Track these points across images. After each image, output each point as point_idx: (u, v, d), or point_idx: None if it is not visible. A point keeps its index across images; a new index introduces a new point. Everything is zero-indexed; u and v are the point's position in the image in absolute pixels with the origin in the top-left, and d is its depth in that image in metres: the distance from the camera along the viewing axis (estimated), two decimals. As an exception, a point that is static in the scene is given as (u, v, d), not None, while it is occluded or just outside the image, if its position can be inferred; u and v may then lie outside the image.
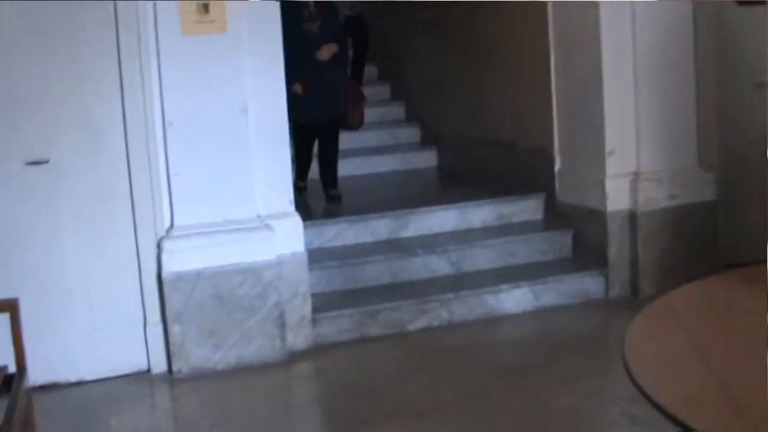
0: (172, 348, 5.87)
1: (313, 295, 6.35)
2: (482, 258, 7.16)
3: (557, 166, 7.56)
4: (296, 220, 6.21)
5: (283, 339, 6.06)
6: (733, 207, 7.27)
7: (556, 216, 7.57)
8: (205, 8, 5.76)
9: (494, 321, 6.71)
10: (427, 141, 9.96)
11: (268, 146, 6.05)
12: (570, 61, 7.30)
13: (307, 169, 8.33)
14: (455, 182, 8.87)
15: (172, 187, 5.85)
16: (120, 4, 5.64)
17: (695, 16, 6.98)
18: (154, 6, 5.68)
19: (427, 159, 9.68)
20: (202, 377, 5.85)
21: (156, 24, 5.71)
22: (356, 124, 8.56)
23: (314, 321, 6.29)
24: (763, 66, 7.25)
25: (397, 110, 10.47)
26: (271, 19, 6.02)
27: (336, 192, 8.14)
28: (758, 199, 7.31)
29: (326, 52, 7.85)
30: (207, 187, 5.86)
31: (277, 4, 6.04)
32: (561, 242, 7.36)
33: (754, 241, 7.22)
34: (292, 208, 6.21)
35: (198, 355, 5.89)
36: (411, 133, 10.15)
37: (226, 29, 5.83)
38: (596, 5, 6.80)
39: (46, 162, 5.64)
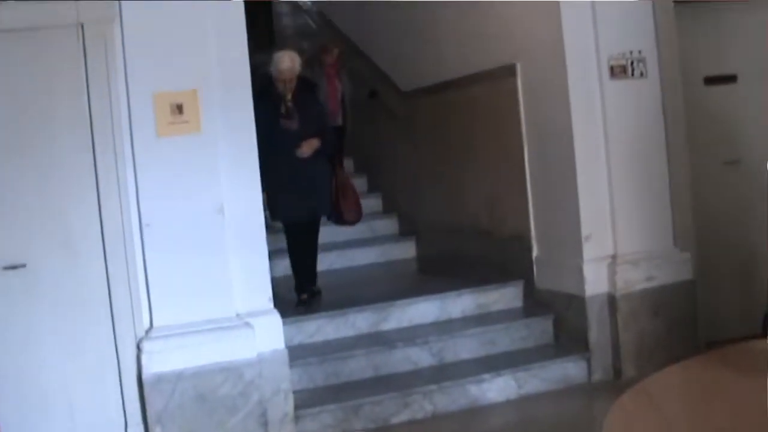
0: (154, 450, 5.80)
1: (295, 392, 6.30)
2: (464, 348, 7.14)
3: (535, 253, 7.61)
4: (275, 317, 6.19)
5: (267, 437, 6.00)
6: (710, 285, 7.33)
7: (535, 302, 7.58)
8: (179, 109, 5.83)
9: (478, 411, 6.66)
10: (404, 232, 10.00)
11: (246, 244, 6.07)
12: (543, 150, 7.41)
13: (306, 276, 7.81)
14: (434, 273, 8.89)
15: (150, 287, 5.84)
16: (95, 108, 5.71)
17: (664, 97, 7.13)
18: (129, 109, 5.75)
19: (406, 250, 9.71)
20: (186, 479, 5.76)
21: (131, 126, 5.77)
22: (353, 219, 8.22)
23: (297, 418, 6.23)
24: (733, 143, 7.40)
25: (374, 202, 10.50)
26: (246, 119, 6.10)
27: (316, 288, 7.86)
28: (735, 276, 7.41)
29: (307, 148, 7.45)
30: (185, 286, 5.85)
31: (251, 105, 6.12)
32: (541, 328, 7.35)
33: (733, 317, 7.35)
34: (270, 305, 6.20)
35: (181, 456, 5.82)
36: (388, 225, 10.18)
37: (200, 129, 5.90)
38: (566, 94, 6.93)
39: (23, 266, 5.63)
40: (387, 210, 10.43)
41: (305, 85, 7.77)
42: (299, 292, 7.66)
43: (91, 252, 5.76)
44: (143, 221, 5.80)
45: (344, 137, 10.32)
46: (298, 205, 7.49)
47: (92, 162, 5.74)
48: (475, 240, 8.52)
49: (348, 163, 11.00)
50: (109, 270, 5.77)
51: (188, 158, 5.87)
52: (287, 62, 7.42)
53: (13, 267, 5.61)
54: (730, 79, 7.58)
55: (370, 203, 10.42)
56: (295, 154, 7.42)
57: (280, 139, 7.25)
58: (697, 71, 7.47)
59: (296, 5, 13.54)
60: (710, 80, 7.52)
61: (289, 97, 7.47)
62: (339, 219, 8.07)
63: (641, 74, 7.01)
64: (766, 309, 6.51)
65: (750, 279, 7.46)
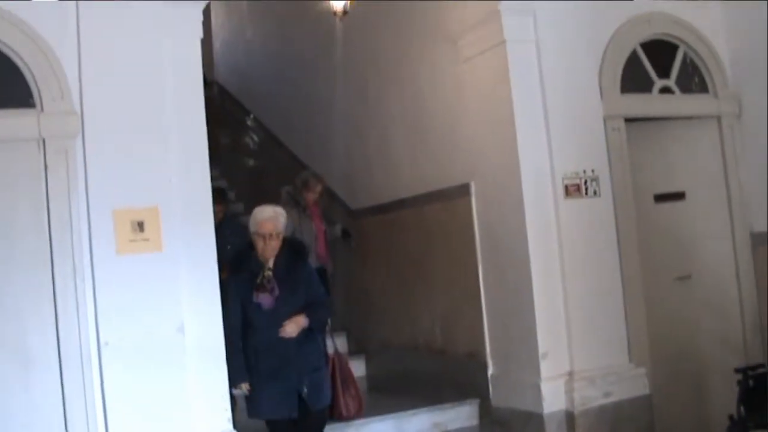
0: None
1: None
2: (422, 469, 7.03)
3: (490, 371, 7.58)
4: (234, 438, 6.06)
5: None
6: (667, 399, 7.35)
7: (492, 420, 7.52)
8: (140, 226, 5.78)
9: None
10: (354, 350, 9.90)
11: (206, 364, 5.96)
12: (498, 267, 7.46)
13: None
14: (387, 391, 8.79)
15: (107, 406, 5.67)
16: (54, 223, 5.64)
17: (616, 215, 7.28)
18: (89, 225, 5.69)
19: (356, 368, 9.57)
20: None
21: (91, 243, 5.70)
22: (351, 415, 7.29)
23: None
24: (684, 259, 7.52)
25: (322, 321, 10.36)
26: (207, 235, 6.08)
27: None
28: (691, 389, 7.45)
29: (293, 327, 5.92)
30: (144, 405, 5.71)
31: (212, 222, 6.10)
32: (499, 447, 7.29)
33: (692, 429, 7.35)
34: (230, 425, 6.07)
35: None
36: (338, 343, 10.05)
37: (160, 248, 5.85)
38: (521, 213, 7.03)
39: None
40: (336, 328, 10.31)
41: (293, 248, 6.21)
42: None
43: (47, 373, 5.61)
44: (101, 340, 5.67)
45: (327, 281, 8.87)
46: (283, 400, 5.89)
47: (50, 277, 5.65)
48: (428, 358, 8.48)
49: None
50: (65, 390, 5.63)
51: (148, 277, 5.81)
52: (269, 212, 6.08)
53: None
54: (679, 196, 7.75)
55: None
56: (275, 336, 5.90)
57: (255, 317, 5.93)
58: (647, 188, 7.65)
59: (239, 122, 13.60)
60: (660, 197, 7.68)
61: (269, 264, 6.04)
62: (336, 414, 7.17)
63: (594, 193, 7.16)
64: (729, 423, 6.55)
65: (705, 392, 7.53)
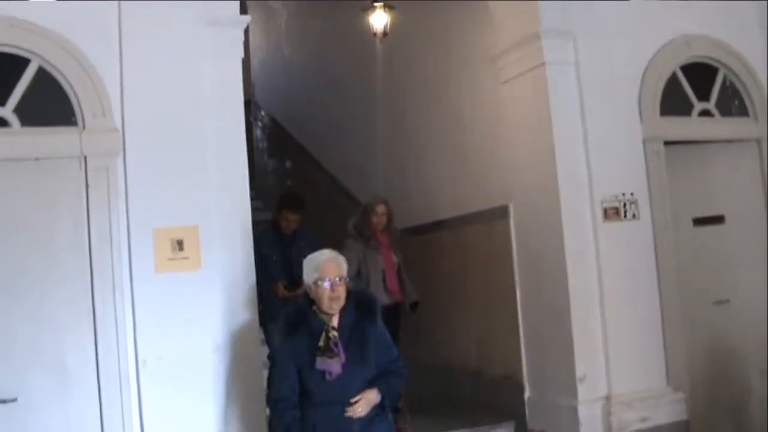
0: None
1: None
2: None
3: (527, 394, 7.53)
4: (270, 458, 6.04)
5: None
6: (705, 425, 7.26)
7: (528, 444, 7.47)
8: (180, 245, 5.81)
9: None
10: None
11: (242, 384, 5.94)
12: (536, 289, 7.42)
13: None
14: (423, 412, 8.72)
15: (144, 425, 5.69)
16: (94, 240, 5.66)
17: (655, 238, 7.22)
18: (129, 245, 5.72)
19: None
20: None
21: (130, 260, 5.73)
22: None
23: None
24: (722, 283, 7.45)
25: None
26: (246, 254, 6.06)
27: None
28: (729, 415, 7.36)
29: (364, 406, 4.92)
30: (180, 424, 5.71)
31: (251, 241, 6.09)
32: (535, 471, 7.23)
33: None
34: (265, 445, 6.06)
35: None
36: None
37: (199, 266, 5.86)
38: (560, 235, 6.99)
39: (14, 400, 5.47)
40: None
41: (360, 302, 5.11)
42: None
43: (84, 389, 5.63)
44: (140, 357, 5.70)
45: (401, 319, 8.07)
46: None
47: (90, 294, 5.67)
48: (465, 379, 8.44)
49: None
50: (103, 408, 5.63)
51: (187, 295, 5.82)
52: (328, 254, 5.12)
53: (3, 401, 5.45)
54: (718, 219, 7.68)
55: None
56: (342, 414, 4.91)
57: (318, 389, 4.92)
58: (686, 212, 7.59)
59: (275, 142, 13.65)
60: (699, 221, 7.62)
61: (333, 322, 5.00)
62: None
63: (633, 216, 7.12)
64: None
65: (743, 417, 7.43)
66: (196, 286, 5.85)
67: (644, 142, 7.30)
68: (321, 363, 4.85)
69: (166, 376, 5.71)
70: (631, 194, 7.14)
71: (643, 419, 6.99)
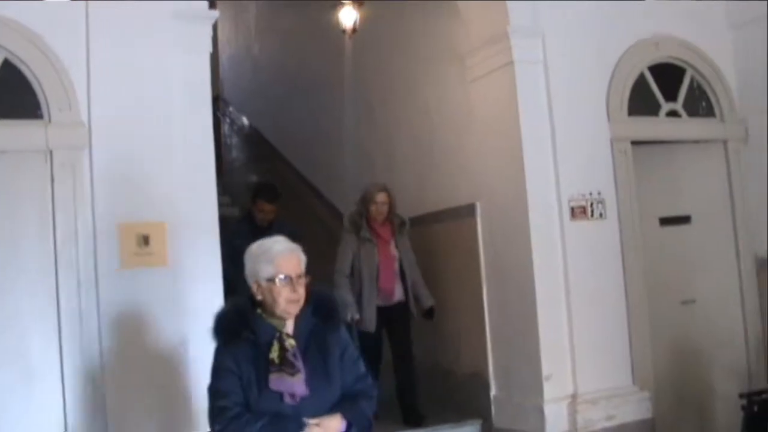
0: None
1: None
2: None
3: (493, 392, 7.54)
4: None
5: None
6: (670, 423, 7.31)
7: (493, 442, 7.48)
8: (146, 240, 5.76)
9: None
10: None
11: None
12: (502, 288, 7.44)
13: None
14: (388, 410, 8.72)
15: (108, 422, 5.61)
16: (59, 235, 5.61)
17: (622, 237, 7.26)
18: (95, 241, 5.67)
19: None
20: None
21: (96, 258, 5.67)
22: None
23: None
24: (688, 283, 7.50)
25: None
26: (212, 250, 6.02)
27: None
28: (694, 413, 7.42)
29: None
30: (146, 419, 5.66)
31: (218, 237, 6.04)
32: (501, 469, 7.24)
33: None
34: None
35: None
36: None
37: (165, 262, 5.82)
38: (527, 234, 7.02)
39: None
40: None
41: (319, 306, 4.11)
42: None
43: (48, 380, 5.56)
44: (104, 352, 5.62)
45: (410, 321, 7.71)
46: None
47: (55, 288, 5.60)
48: (431, 377, 8.42)
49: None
50: (66, 400, 5.57)
51: (153, 290, 5.76)
52: (284, 243, 4.07)
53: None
54: (685, 219, 7.73)
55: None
56: None
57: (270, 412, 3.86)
58: (653, 211, 7.64)
59: (242, 137, 13.60)
60: (666, 221, 7.67)
61: (288, 329, 4.01)
62: None
63: (600, 215, 7.15)
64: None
65: (708, 416, 7.51)
66: (162, 281, 5.79)
67: (612, 141, 7.33)
68: (277, 381, 3.82)
69: (131, 372, 5.65)
70: (599, 193, 7.16)
71: (609, 417, 7.01)
